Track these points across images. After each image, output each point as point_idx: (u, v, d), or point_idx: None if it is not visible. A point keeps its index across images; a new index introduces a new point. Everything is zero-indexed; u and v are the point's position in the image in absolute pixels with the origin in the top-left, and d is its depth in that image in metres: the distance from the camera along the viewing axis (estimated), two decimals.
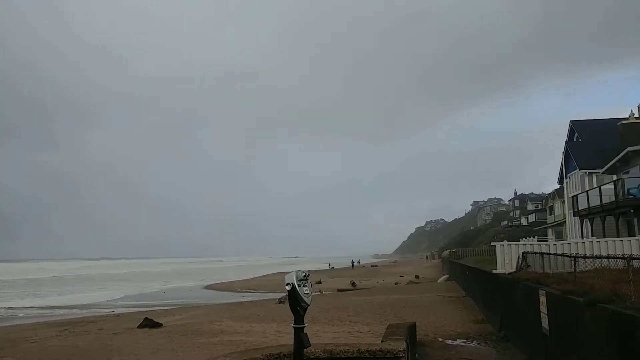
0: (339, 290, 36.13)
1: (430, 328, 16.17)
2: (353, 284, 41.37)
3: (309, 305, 6.48)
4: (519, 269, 14.28)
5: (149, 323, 17.65)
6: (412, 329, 9.94)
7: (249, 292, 39.49)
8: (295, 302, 6.53)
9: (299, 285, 6.51)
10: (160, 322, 18.08)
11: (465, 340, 14.64)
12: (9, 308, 30.14)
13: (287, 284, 6.56)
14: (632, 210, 20.76)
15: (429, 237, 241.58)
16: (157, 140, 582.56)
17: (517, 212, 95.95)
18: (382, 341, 6.43)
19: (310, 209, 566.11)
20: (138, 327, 17.59)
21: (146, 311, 23.53)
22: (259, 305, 25.54)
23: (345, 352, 5.92)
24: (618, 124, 27.37)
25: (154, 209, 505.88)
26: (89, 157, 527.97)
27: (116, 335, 16.47)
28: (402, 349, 5.59)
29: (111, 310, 27.58)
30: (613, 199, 21.73)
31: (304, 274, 6.62)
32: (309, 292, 6.56)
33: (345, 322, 17.76)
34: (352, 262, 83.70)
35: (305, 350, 6.51)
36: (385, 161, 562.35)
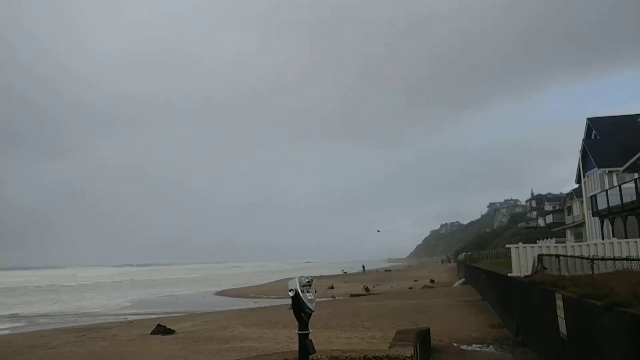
0: (352, 296, 35.83)
1: (445, 333, 15.85)
2: (366, 289, 41.00)
3: (312, 311, 6.29)
4: (534, 271, 13.94)
5: (161, 329, 17.61)
6: (424, 334, 9.68)
7: (262, 297, 39.29)
8: (299, 308, 6.36)
9: (302, 291, 6.33)
10: (172, 328, 18.04)
11: (480, 345, 14.31)
12: (24, 316, 30.29)
13: (290, 290, 6.38)
14: None
15: (445, 240, 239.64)
16: (171, 146, 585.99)
17: (534, 213, 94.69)
18: (389, 347, 6.21)
19: (323, 213, 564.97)
20: (151, 333, 17.57)
21: (159, 318, 23.54)
22: (271, 311, 25.39)
23: (351, 358, 5.75)
24: (639, 119, 26.74)
25: (171, 215, 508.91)
26: (102, 164, 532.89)
27: (130, 342, 16.48)
28: (409, 355, 5.38)
29: (125, 316, 27.62)
30: (635, 198, 21.12)
31: (307, 280, 6.44)
32: (312, 298, 6.38)
33: (358, 328, 17.53)
34: (363, 267, 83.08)
35: (310, 356, 6.34)
36: (398, 164, 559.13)
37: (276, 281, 55.38)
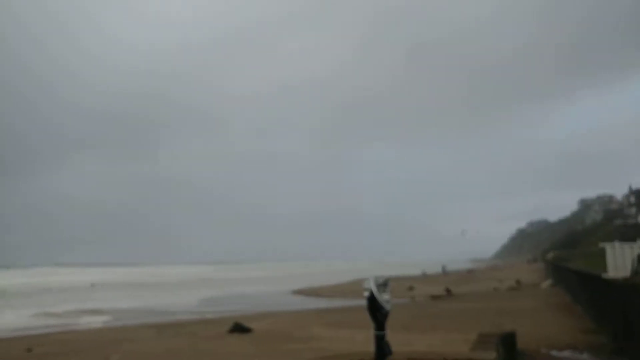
0: (432, 297, 34.87)
1: (533, 337, 14.89)
2: (448, 290, 39.74)
3: (389, 311, 6.09)
4: (634, 272, 12.75)
5: (238, 328, 17.90)
6: (508, 337, 9.10)
7: (337, 297, 39.16)
8: (374, 308, 6.18)
9: (378, 292, 6.16)
10: (249, 327, 18.28)
11: (573, 351, 13.29)
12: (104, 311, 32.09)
13: (365, 290, 6.24)
14: None
15: (531, 239, 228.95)
16: (241, 150, 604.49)
17: (633, 209, 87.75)
18: (470, 350, 5.84)
19: (403, 211, 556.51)
20: (228, 331, 17.93)
21: (236, 316, 24.01)
22: (347, 312, 25.24)
23: None
24: None
25: (243, 216, 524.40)
26: (185, 168, 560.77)
27: (207, 339, 16.96)
28: (491, 359, 5.00)
29: (202, 314, 28.50)
30: None
31: (383, 280, 6.27)
32: (388, 298, 6.18)
33: (439, 330, 16.95)
34: (443, 267, 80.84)
35: (387, 358, 6.13)
36: (479, 158, 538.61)
37: (352, 281, 55.16)
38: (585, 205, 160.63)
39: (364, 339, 15.18)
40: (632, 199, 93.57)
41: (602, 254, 16.23)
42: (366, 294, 6.15)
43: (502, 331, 10.34)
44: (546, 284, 39.40)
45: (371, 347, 6.42)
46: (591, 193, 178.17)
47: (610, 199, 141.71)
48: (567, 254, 52.83)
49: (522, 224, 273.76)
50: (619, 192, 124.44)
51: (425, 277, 66.85)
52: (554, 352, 13.23)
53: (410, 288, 42.52)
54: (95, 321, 26.39)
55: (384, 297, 6.04)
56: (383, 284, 6.23)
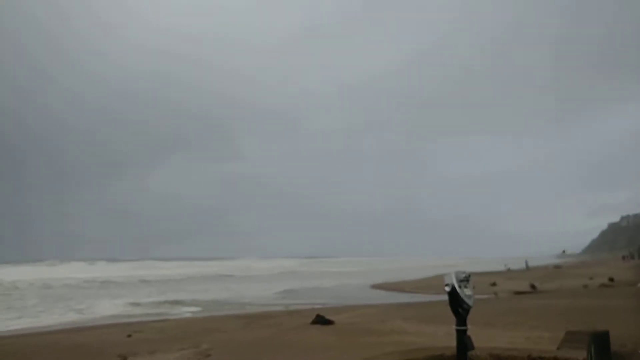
0: (515, 293, 33.70)
1: (629, 338, 13.99)
2: (533, 286, 38.17)
3: (470, 307, 6.11)
4: None
5: (320, 320, 18.29)
6: (600, 337, 8.73)
7: (419, 292, 38.87)
8: (456, 303, 6.22)
9: (459, 287, 6.19)
10: (331, 319, 18.67)
11: None
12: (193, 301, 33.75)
13: (446, 285, 6.28)
14: None
15: (626, 233, 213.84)
16: (323, 149, 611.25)
17: None
18: (557, 348, 5.74)
19: (482, 205, 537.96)
20: (311, 323, 18.37)
21: (317, 308, 24.46)
22: (428, 306, 25.00)
23: (514, 357, 5.45)
24: None
25: (330, 212, 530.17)
26: (269, 168, 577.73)
27: (292, 330, 17.50)
28: (581, 359, 4.92)
29: (285, 305, 29.29)
30: None
31: (464, 275, 6.27)
32: (470, 293, 6.19)
33: (523, 327, 16.43)
34: (526, 263, 77.44)
35: (470, 353, 6.17)
36: (565, 148, 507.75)
37: (434, 276, 54.29)
38: None
39: (446, 334, 15.06)
40: None
41: None
42: (447, 289, 6.20)
43: (593, 330, 9.93)
44: None
45: (453, 342, 6.48)
46: None
47: None
48: None
49: (615, 217, 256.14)
50: None
51: (508, 273, 64.50)
52: None
53: (493, 284, 41.31)
54: (186, 311, 27.98)
55: (465, 292, 6.05)
56: (464, 279, 6.24)
